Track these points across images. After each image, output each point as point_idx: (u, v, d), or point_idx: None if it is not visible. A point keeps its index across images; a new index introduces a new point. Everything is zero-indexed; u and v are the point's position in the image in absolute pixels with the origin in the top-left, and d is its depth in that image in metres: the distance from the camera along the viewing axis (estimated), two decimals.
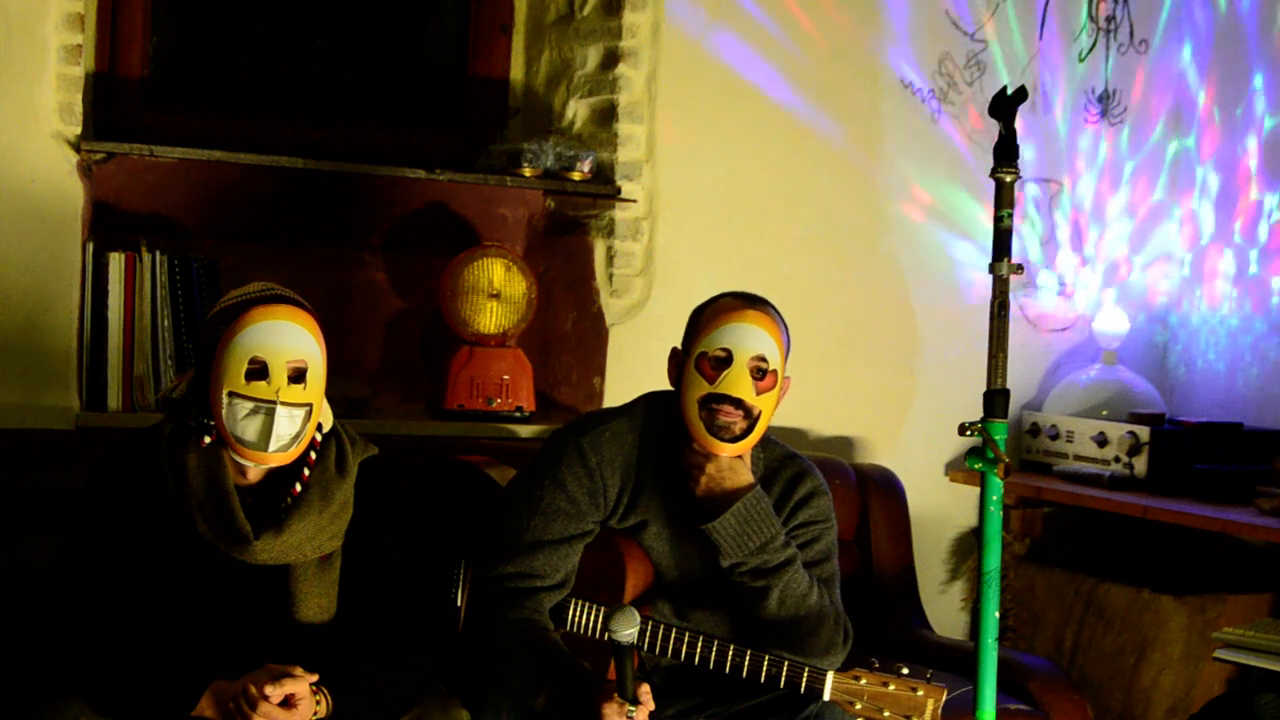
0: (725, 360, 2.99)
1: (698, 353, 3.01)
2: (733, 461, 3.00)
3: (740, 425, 2.99)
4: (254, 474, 2.84)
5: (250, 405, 2.75)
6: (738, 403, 2.98)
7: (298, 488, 2.83)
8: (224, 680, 2.67)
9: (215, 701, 2.65)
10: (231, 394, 2.75)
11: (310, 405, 2.80)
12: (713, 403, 2.98)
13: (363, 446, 2.96)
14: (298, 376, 2.78)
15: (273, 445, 2.76)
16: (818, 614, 3.02)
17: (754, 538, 2.97)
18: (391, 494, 3.01)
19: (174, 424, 2.83)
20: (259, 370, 2.75)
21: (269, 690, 2.62)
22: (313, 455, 2.86)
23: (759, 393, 2.99)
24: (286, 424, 2.77)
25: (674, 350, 3.11)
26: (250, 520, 2.78)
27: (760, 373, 3.00)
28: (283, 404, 2.75)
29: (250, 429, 2.75)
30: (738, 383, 2.97)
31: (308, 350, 2.80)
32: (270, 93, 4.13)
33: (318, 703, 2.68)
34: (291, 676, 2.64)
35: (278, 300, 2.81)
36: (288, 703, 2.64)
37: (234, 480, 2.81)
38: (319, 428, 2.87)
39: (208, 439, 2.79)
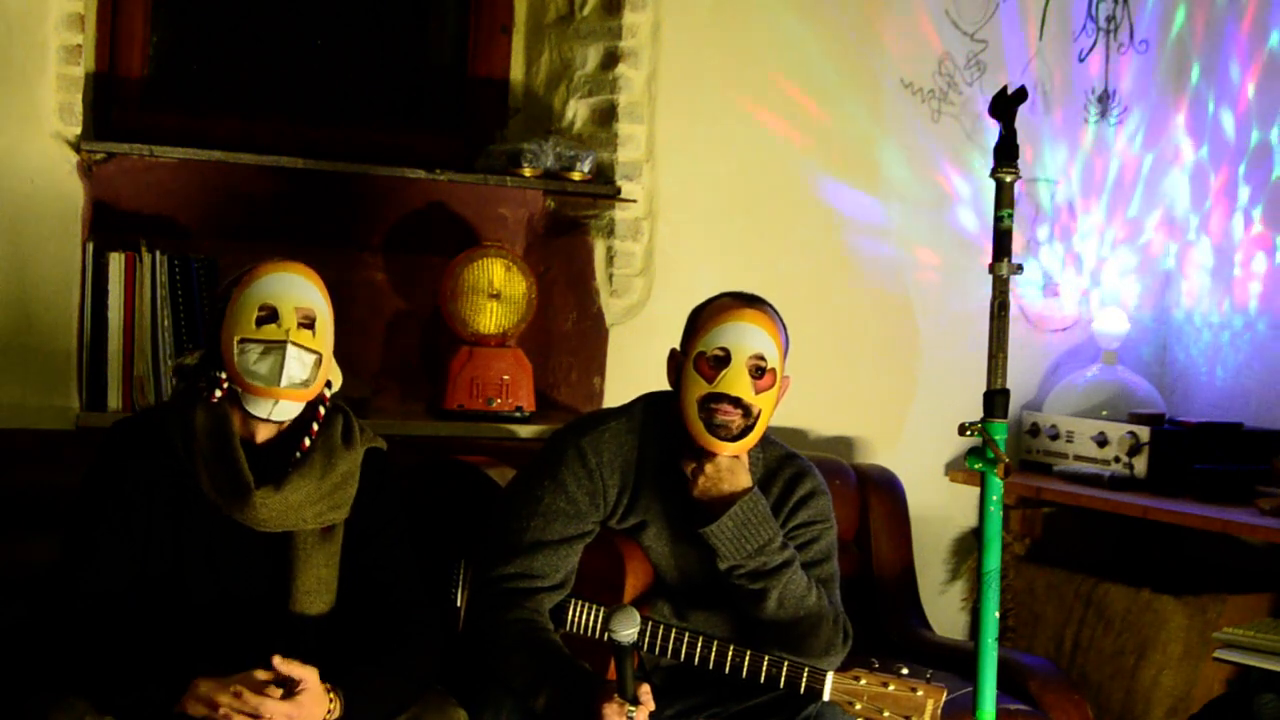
0: (724, 360, 2.99)
1: (696, 353, 3.01)
2: (730, 463, 3.00)
3: (739, 424, 2.99)
4: (262, 433, 2.85)
5: (261, 347, 2.79)
6: (736, 401, 2.98)
7: (306, 442, 2.86)
8: (207, 678, 2.63)
9: (201, 698, 2.62)
10: (243, 340, 2.79)
11: (320, 355, 2.83)
12: (711, 402, 2.98)
13: (371, 435, 2.99)
14: (307, 323, 2.82)
15: (284, 381, 2.78)
16: (816, 614, 3.02)
17: (751, 540, 2.97)
18: (396, 489, 3.02)
19: (184, 384, 2.86)
20: (269, 315, 2.80)
21: (276, 663, 2.60)
22: (321, 411, 2.88)
23: (758, 392, 2.99)
24: (297, 365, 2.80)
25: (673, 351, 3.11)
26: (254, 476, 2.80)
27: (759, 371, 3.00)
28: (293, 344, 2.78)
29: (263, 366, 2.78)
30: (736, 382, 2.97)
31: (316, 302, 2.85)
32: (270, 93, 4.13)
33: (331, 701, 2.68)
34: (301, 665, 2.63)
35: (287, 258, 2.87)
36: (290, 691, 2.63)
37: (241, 436, 2.83)
38: (328, 385, 2.90)
39: (218, 393, 2.81)
